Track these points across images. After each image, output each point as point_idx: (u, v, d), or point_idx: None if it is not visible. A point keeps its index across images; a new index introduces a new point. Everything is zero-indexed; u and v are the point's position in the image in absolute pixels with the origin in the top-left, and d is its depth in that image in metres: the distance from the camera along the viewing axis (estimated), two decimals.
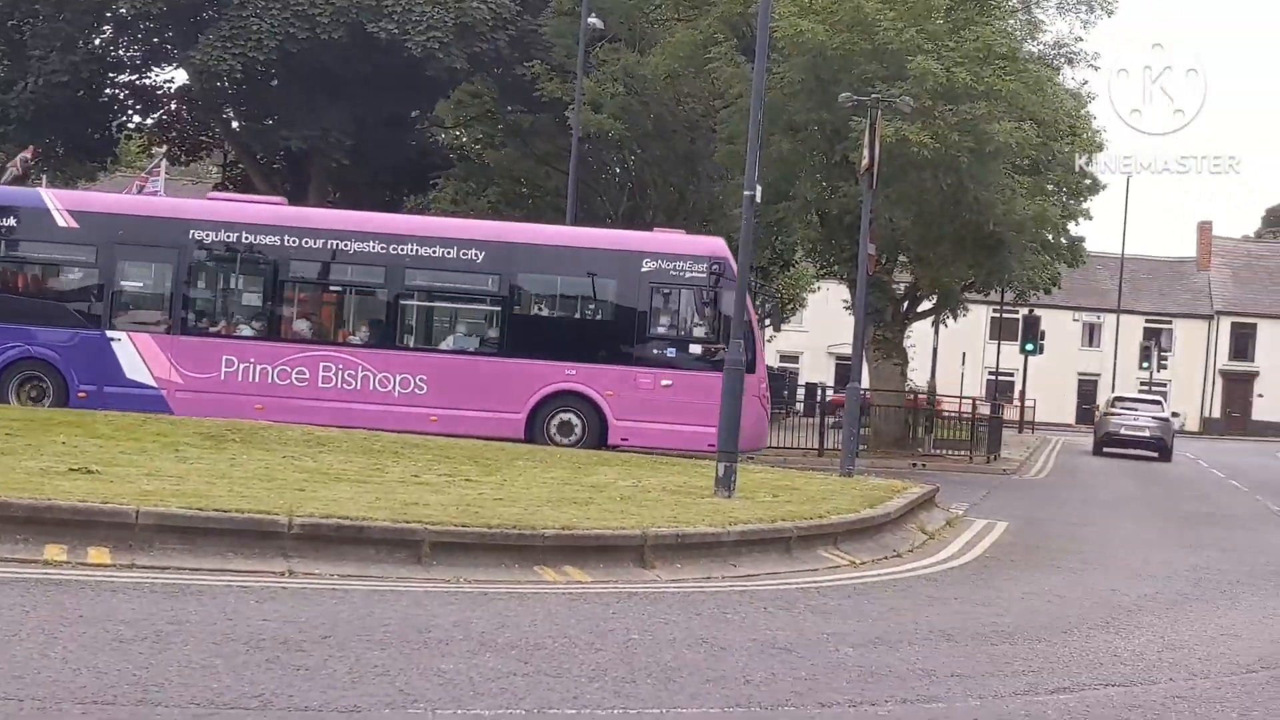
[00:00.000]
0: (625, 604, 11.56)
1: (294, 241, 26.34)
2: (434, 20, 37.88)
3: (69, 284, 26.99)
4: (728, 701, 8.57)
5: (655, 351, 26.25)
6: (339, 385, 25.73)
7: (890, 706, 8.81)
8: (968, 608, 13.05)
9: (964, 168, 33.07)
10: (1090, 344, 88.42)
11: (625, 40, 39.48)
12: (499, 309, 26.89)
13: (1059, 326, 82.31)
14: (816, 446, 34.81)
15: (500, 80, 42.00)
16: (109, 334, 25.74)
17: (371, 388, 25.87)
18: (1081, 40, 43.13)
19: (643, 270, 26.19)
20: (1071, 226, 46.39)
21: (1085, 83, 44.18)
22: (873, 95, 27.19)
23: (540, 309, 27.52)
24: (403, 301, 26.74)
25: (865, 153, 25.01)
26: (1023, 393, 68.24)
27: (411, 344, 26.77)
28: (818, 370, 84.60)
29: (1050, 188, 40.36)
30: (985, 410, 43.95)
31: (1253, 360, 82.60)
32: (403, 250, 26.35)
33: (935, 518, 20.14)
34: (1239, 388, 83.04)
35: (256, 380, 25.71)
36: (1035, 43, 40.08)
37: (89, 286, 26.51)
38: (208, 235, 26.28)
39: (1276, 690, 10.31)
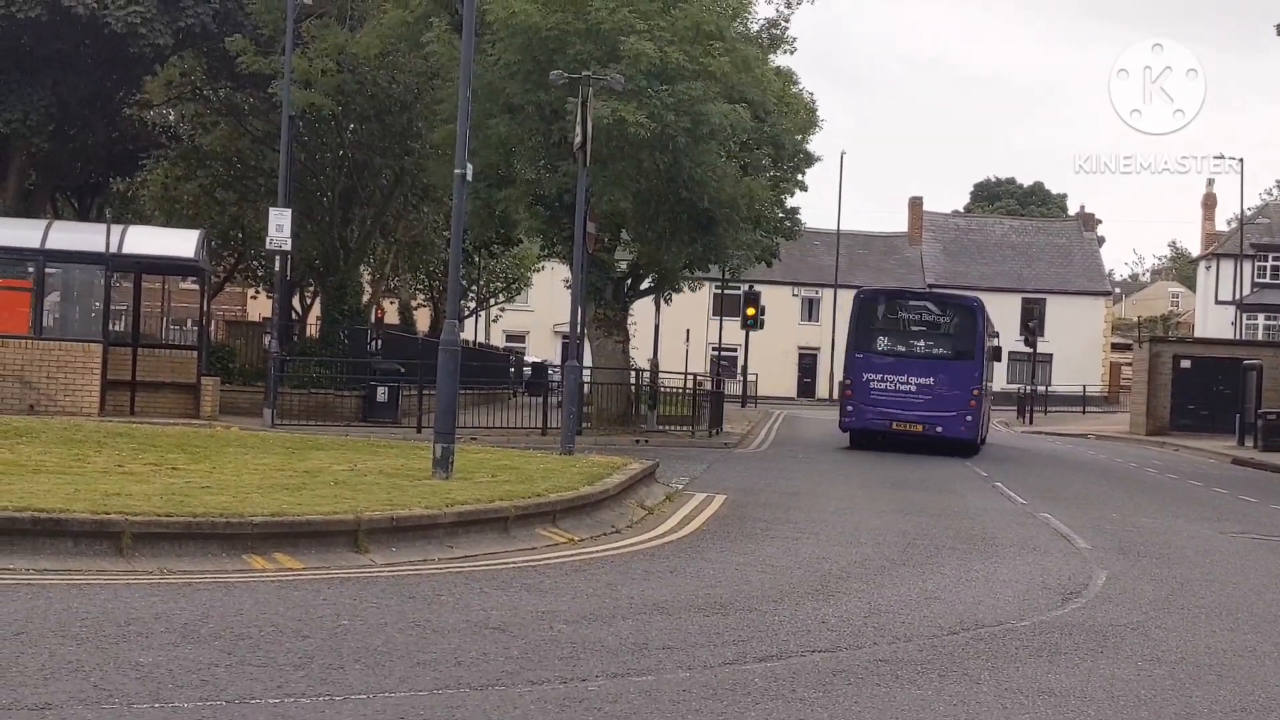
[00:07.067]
0: (336, 590, 11.38)
1: None
2: None
3: None
4: (438, 684, 8.48)
5: None
6: None
7: (601, 681, 8.82)
8: (682, 580, 13.18)
9: (680, 147, 33.37)
10: (810, 318, 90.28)
11: (335, 16, 38.76)
12: None
13: (779, 301, 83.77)
14: (540, 425, 34.77)
15: (208, 57, 40.82)
16: None
17: None
18: (786, 25, 43.69)
19: None
20: (787, 199, 47.22)
21: (784, 67, 45.20)
22: (584, 74, 27.22)
23: None
24: None
25: (577, 129, 25.09)
26: (744, 367, 69.47)
27: None
28: (544, 348, 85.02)
29: (765, 163, 40.99)
30: (706, 385, 44.57)
31: None
32: None
33: (655, 493, 20.32)
34: None
35: None
36: (744, 23, 40.55)
37: None
38: None
39: (975, 650, 10.63)
